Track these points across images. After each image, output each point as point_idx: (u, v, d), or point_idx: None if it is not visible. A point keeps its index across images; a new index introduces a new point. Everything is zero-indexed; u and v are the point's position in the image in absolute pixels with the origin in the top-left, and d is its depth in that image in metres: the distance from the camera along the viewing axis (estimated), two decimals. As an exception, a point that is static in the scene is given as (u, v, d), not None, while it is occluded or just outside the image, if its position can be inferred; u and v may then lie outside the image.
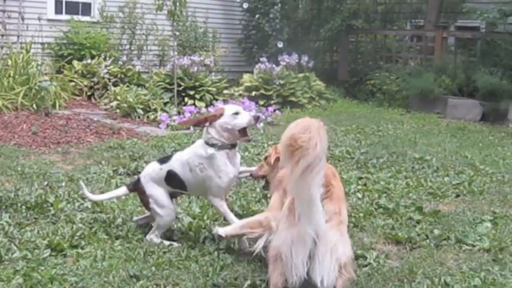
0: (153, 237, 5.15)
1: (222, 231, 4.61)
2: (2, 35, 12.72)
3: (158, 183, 5.18)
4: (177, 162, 5.13)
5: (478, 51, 15.50)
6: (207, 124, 5.03)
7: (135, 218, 5.58)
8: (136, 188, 5.31)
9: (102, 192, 6.03)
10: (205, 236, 5.23)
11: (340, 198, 4.12)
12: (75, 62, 13.29)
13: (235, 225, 4.72)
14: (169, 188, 5.20)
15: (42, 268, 4.38)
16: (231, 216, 5.04)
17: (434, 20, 16.80)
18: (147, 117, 11.45)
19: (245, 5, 16.66)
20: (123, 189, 5.47)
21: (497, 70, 13.73)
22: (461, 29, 17.86)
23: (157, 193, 5.17)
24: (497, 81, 13.45)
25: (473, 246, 5.29)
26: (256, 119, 5.06)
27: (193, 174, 5.04)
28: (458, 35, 16.66)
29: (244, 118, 4.99)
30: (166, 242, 5.09)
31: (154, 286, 4.17)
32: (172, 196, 5.25)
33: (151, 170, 5.25)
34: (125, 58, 14.30)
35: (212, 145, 4.96)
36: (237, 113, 4.99)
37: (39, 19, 13.13)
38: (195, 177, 5.04)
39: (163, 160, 5.32)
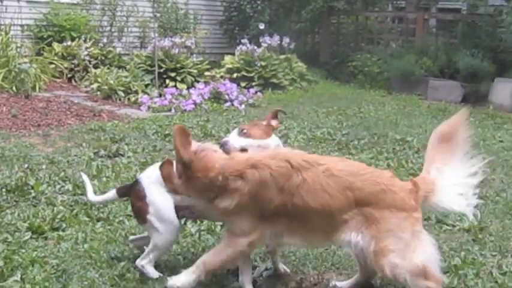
0: (146, 264, 4.03)
1: None
2: (-19, 17, 12.58)
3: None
4: None
5: (459, 33, 15.51)
6: None
7: (131, 238, 4.53)
8: (131, 192, 4.11)
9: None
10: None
11: None
12: (55, 44, 13.17)
13: None
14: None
15: (23, 251, 4.37)
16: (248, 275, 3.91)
17: (415, 1, 16.83)
18: (128, 99, 11.40)
19: (226, -13, 16.59)
20: (112, 193, 4.35)
21: (478, 52, 13.80)
22: (442, 11, 17.90)
23: (162, 202, 3.95)
24: (478, 62, 13.53)
25: (454, 226, 5.35)
26: None
27: None
28: (440, 16, 16.73)
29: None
30: (155, 273, 4.03)
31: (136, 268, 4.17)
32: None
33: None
34: (105, 40, 14.22)
35: None
36: None
37: (19, 1, 13.01)
38: None
39: None
